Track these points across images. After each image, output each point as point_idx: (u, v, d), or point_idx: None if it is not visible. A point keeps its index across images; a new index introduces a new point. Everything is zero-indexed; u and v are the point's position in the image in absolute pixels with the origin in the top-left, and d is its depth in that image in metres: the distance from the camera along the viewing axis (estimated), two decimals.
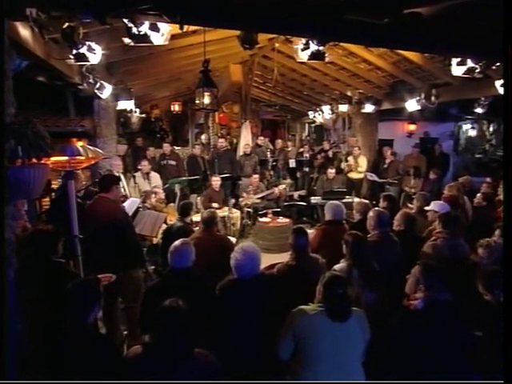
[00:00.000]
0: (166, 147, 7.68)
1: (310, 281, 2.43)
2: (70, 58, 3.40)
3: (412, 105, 6.10)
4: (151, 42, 2.72)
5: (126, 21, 2.47)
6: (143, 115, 9.58)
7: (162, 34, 2.73)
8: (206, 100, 3.20)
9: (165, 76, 7.29)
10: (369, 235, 3.18)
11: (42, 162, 2.25)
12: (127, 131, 8.42)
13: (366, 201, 3.88)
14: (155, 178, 6.88)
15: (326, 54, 3.20)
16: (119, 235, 3.10)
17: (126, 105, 6.96)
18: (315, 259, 2.83)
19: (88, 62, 3.41)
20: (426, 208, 3.85)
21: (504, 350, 1.68)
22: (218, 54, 6.72)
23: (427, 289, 2.08)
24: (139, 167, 6.73)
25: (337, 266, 2.69)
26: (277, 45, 6.26)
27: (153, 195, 5.99)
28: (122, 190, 6.54)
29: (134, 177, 6.68)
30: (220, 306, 2.35)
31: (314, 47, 3.15)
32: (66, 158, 2.59)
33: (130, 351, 1.85)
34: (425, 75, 6.00)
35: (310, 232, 7.37)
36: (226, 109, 12.71)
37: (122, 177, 6.77)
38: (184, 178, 7.14)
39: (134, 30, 2.53)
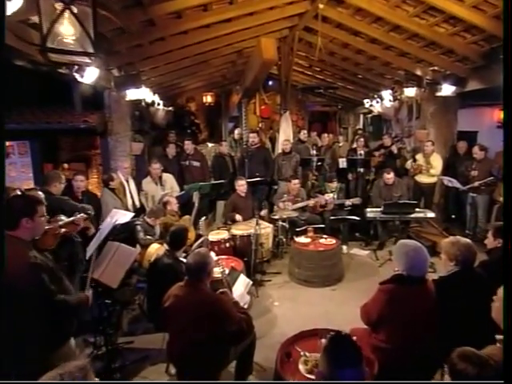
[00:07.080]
0: (188, 145, 6.41)
1: None
2: None
3: None
4: None
5: None
6: (170, 108, 8.49)
7: None
8: (68, 30, 1.55)
9: (185, 59, 5.99)
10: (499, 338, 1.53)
11: None
12: (145, 127, 7.31)
13: (468, 240, 2.20)
14: (169, 180, 5.63)
15: None
16: (24, 301, 1.84)
17: (140, 95, 5.79)
18: None
19: None
20: None
21: (504, 349, 1.43)
22: (247, 24, 5.27)
23: None
24: (150, 169, 5.52)
25: None
26: (321, 6, 4.63)
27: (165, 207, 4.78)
28: (129, 198, 5.41)
29: (140, 183, 5.51)
30: None
31: None
32: None
33: None
34: None
35: (365, 254, 5.78)
36: (269, 100, 11.24)
37: (131, 183, 5.66)
38: (205, 183, 5.81)
39: None
